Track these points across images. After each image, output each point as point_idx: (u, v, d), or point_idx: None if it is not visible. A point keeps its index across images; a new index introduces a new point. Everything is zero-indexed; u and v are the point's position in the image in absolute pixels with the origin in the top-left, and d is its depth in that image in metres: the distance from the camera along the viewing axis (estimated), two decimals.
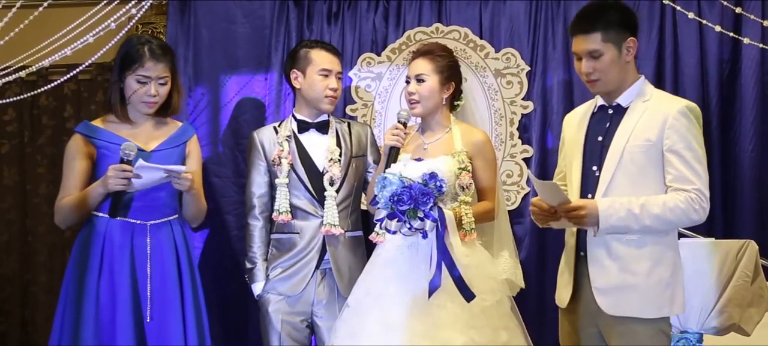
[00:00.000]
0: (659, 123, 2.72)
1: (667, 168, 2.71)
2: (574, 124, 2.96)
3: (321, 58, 3.48)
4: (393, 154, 3.18)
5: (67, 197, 3.18)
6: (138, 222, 3.16)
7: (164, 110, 3.30)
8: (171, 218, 3.25)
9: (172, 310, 3.14)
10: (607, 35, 2.76)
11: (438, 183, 2.92)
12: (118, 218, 3.11)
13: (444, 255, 2.91)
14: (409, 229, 2.93)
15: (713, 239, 3.45)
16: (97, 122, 3.27)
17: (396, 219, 2.91)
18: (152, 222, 3.18)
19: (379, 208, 2.98)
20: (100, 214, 3.15)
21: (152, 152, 3.21)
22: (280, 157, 3.44)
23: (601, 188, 2.76)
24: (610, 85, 2.81)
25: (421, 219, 2.90)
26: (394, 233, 2.99)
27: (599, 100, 2.90)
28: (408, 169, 3.04)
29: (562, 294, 2.90)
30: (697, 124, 2.74)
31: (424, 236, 2.95)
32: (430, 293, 2.92)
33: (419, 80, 3.25)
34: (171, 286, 3.16)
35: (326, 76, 3.48)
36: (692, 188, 2.67)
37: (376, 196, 2.95)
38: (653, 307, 2.72)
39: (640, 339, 2.72)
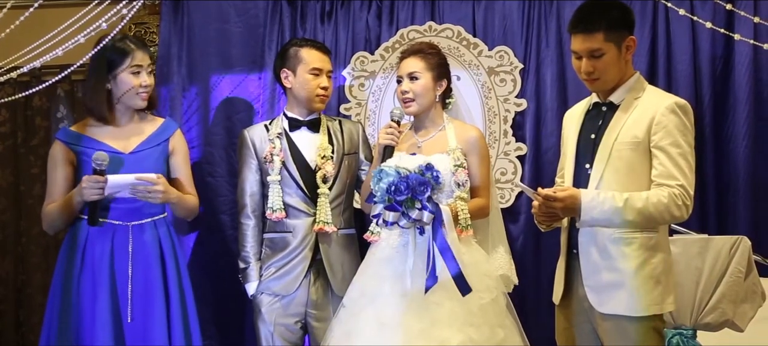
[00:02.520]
0: (647, 120, 2.72)
1: (654, 163, 2.70)
2: (571, 122, 2.96)
3: (311, 57, 3.48)
4: (388, 152, 3.17)
5: (51, 204, 3.22)
6: (119, 223, 3.17)
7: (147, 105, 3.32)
8: (156, 217, 3.24)
9: (156, 311, 3.14)
10: (609, 35, 2.74)
11: (434, 173, 2.93)
12: (98, 224, 3.12)
13: (444, 250, 2.91)
14: (408, 220, 2.93)
15: (706, 235, 3.45)
16: (76, 127, 3.29)
17: (393, 211, 2.92)
18: (134, 223, 3.18)
19: (375, 202, 2.98)
20: (84, 217, 3.17)
21: (131, 154, 3.21)
22: (272, 154, 3.43)
23: (592, 186, 2.76)
24: (609, 83, 2.81)
25: (419, 209, 2.91)
26: (392, 225, 2.98)
27: (594, 98, 2.90)
28: (403, 162, 3.04)
29: (557, 290, 2.91)
30: (687, 121, 2.72)
31: (421, 231, 2.95)
32: (427, 289, 2.92)
33: (412, 78, 3.25)
34: (154, 286, 3.16)
35: (317, 75, 3.47)
36: (676, 184, 2.66)
37: (372, 190, 2.96)
38: (642, 305, 2.70)
39: (632, 337, 2.71)
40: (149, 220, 3.22)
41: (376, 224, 3.07)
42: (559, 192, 2.71)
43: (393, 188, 2.89)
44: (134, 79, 3.21)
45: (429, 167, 2.94)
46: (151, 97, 3.32)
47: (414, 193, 2.89)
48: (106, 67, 3.21)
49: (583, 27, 2.77)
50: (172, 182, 3.31)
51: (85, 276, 3.12)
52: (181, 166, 3.32)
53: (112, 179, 3.04)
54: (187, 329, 3.20)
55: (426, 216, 2.92)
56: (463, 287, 2.91)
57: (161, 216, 3.26)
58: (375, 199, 2.96)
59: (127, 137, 3.25)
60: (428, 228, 2.95)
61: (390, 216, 2.95)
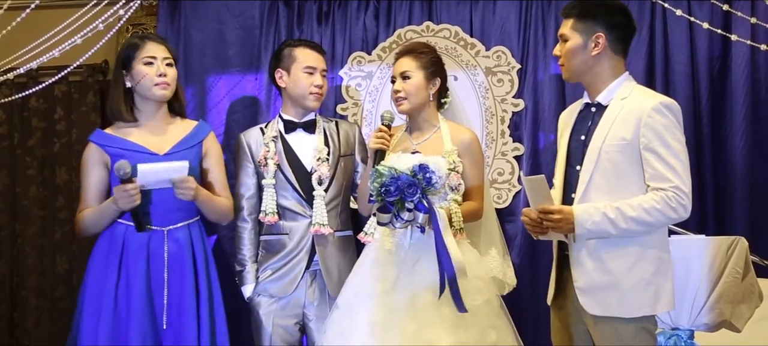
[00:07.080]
0: (634, 121, 2.69)
1: (645, 166, 2.67)
2: (565, 123, 2.95)
3: (305, 56, 3.48)
4: (379, 157, 3.16)
5: (86, 210, 3.21)
6: (156, 229, 3.16)
7: (171, 105, 3.31)
8: (190, 221, 3.24)
9: (188, 315, 3.13)
10: (577, 23, 2.77)
11: (427, 175, 2.92)
12: (146, 230, 3.12)
13: (441, 252, 2.91)
14: (401, 222, 2.93)
15: (703, 236, 3.45)
16: (110, 130, 3.27)
17: (386, 212, 2.92)
18: (170, 227, 3.18)
19: (373, 202, 2.98)
20: (119, 220, 3.17)
21: (166, 155, 3.20)
22: (266, 158, 3.43)
23: (581, 188, 2.74)
24: (570, 72, 2.82)
25: (411, 210, 2.90)
26: (387, 225, 2.98)
27: (586, 98, 2.89)
28: (400, 161, 3.03)
29: (549, 292, 2.90)
30: (675, 120, 2.69)
31: (423, 230, 2.95)
32: (442, 289, 2.92)
33: (405, 77, 3.25)
34: (187, 291, 3.15)
35: (311, 73, 3.47)
36: (669, 186, 2.63)
37: (370, 190, 2.95)
38: (634, 306, 2.69)
39: (623, 338, 2.70)
40: (183, 224, 3.21)
41: (378, 223, 3.06)
42: (555, 213, 2.69)
43: (384, 189, 2.89)
44: (147, 69, 3.20)
45: (422, 168, 2.92)
46: (178, 99, 3.32)
47: (403, 194, 2.89)
48: (122, 65, 3.22)
49: (563, 11, 2.85)
50: (206, 184, 3.31)
51: (122, 280, 3.12)
52: (214, 169, 3.33)
53: (142, 169, 3.01)
54: (214, 331, 3.20)
55: (421, 217, 2.92)
56: (459, 304, 2.91)
57: (195, 219, 3.26)
58: (372, 198, 2.96)
59: (160, 139, 3.24)
60: (428, 228, 2.94)
61: (383, 218, 2.95)
